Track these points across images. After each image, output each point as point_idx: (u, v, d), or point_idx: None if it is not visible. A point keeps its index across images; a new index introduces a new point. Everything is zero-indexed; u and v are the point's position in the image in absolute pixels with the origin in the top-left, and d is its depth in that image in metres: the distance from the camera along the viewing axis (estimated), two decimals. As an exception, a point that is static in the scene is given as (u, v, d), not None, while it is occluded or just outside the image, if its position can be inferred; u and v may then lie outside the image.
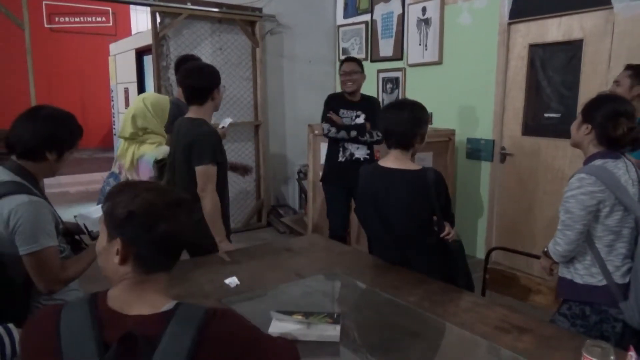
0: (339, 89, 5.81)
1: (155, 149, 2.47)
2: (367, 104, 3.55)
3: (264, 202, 5.41)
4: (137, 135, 2.50)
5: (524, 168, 3.97)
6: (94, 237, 1.78)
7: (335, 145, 3.53)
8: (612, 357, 1.16)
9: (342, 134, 3.41)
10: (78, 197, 6.75)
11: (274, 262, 2.11)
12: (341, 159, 3.52)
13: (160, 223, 0.96)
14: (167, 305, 0.97)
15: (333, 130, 3.43)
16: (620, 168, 1.76)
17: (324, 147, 4.39)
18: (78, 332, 0.91)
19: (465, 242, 4.61)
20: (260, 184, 5.40)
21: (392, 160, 2.03)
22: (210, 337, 0.93)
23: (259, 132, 5.30)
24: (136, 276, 0.99)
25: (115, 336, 0.88)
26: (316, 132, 4.48)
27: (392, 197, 1.96)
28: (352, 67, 3.45)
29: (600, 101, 1.84)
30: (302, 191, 5.40)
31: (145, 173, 2.47)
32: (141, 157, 2.49)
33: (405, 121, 1.98)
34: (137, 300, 0.97)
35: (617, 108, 1.78)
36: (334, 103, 3.57)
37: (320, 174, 4.45)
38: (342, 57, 3.96)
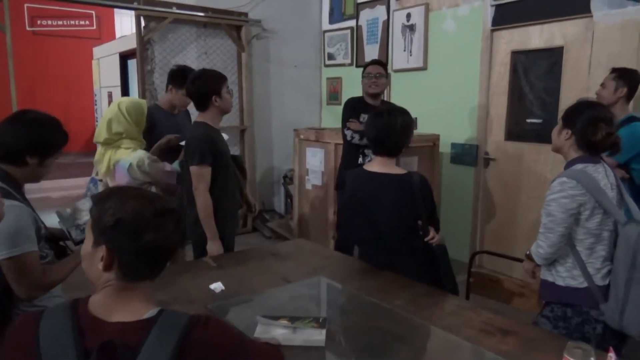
0: (324, 94, 5.87)
1: (130, 154, 2.44)
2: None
3: (249, 207, 5.39)
4: (112, 141, 2.47)
5: (507, 173, 4.03)
6: (77, 242, 1.75)
7: (354, 151, 3.40)
8: (592, 359, 1.19)
9: (367, 140, 3.38)
10: (60, 203, 6.64)
11: (260, 267, 2.11)
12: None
13: (146, 233, 0.95)
14: (150, 312, 0.96)
15: (357, 137, 3.30)
16: (600, 172, 1.80)
17: (309, 152, 4.41)
18: (58, 339, 0.90)
19: (450, 246, 4.65)
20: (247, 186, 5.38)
21: (378, 164, 2.04)
22: (193, 344, 0.92)
23: (245, 136, 5.29)
24: (119, 283, 0.97)
25: (95, 343, 0.87)
26: (301, 136, 4.49)
27: (379, 201, 1.98)
28: (378, 69, 3.40)
29: (580, 107, 1.89)
30: (288, 196, 5.40)
31: (122, 178, 2.44)
32: (117, 162, 2.46)
33: (397, 129, 2.00)
34: (119, 307, 0.96)
35: (596, 114, 1.82)
36: (355, 108, 3.44)
37: (306, 177, 4.47)
38: (368, 60, 3.86)
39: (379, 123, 2.04)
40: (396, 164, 2.09)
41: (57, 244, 1.78)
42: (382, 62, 3.53)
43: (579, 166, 1.82)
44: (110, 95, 6.98)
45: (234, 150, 5.26)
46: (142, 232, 0.95)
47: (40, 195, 6.93)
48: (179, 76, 2.99)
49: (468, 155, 4.29)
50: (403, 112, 2.05)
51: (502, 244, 3.98)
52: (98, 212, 0.98)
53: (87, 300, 0.98)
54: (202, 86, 2.39)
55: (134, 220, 0.95)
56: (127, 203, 0.97)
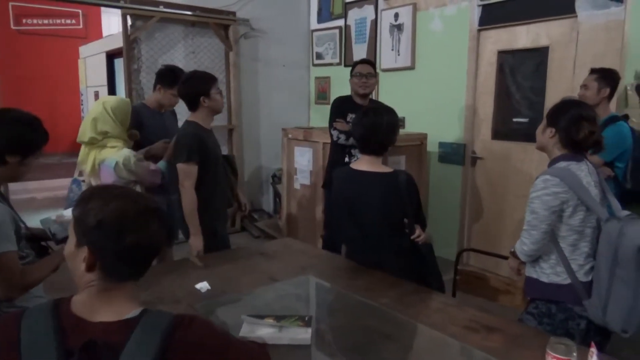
0: (312, 93, 5.88)
1: (116, 153, 2.43)
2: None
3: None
4: (97, 140, 2.45)
5: (494, 171, 4.06)
6: (58, 241, 1.73)
7: (341, 150, 3.40)
8: (574, 354, 1.20)
9: (353, 140, 3.37)
10: (45, 203, 6.57)
11: (248, 266, 2.10)
12: None
13: (129, 233, 0.94)
14: (133, 312, 0.95)
15: (343, 137, 3.28)
16: (583, 170, 1.82)
17: (297, 151, 4.41)
18: (39, 339, 0.88)
19: (437, 244, 4.67)
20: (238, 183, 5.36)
21: (364, 163, 2.05)
22: (177, 344, 0.91)
23: (233, 135, 5.27)
24: (102, 284, 0.96)
25: (77, 343, 0.86)
26: (290, 135, 4.49)
27: (366, 199, 1.98)
28: (368, 69, 3.36)
29: (564, 106, 1.91)
30: (277, 195, 5.39)
31: (107, 178, 2.42)
32: (102, 161, 2.44)
33: (383, 128, 2.00)
34: (102, 307, 0.95)
35: (579, 113, 1.84)
36: (343, 107, 3.43)
37: (294, 176, 4.47)
38: (357, 59, 3.84)
39: (366, 122, 2.04)
40: (384, 162, 2.09)
41: (38, 244, 1.76)
42: (371, 62, 3.52)
43: (562, 164, 1.84)
44: (96, 95, 6.91)
45: (222, 150, 5.23)
46: (125, 233, 0.93)
47: (25, 196, 6.85)
48: (168, 76, 2.99)
49: (455, 154, 4.32)
50: (389, 111, 2.05)
51: (490, 242, 4.01)
52: (80, 213, 0.97)
53: (69, 300, 0.96)
54: (191, 87, 2.48)
55: (116, 221, 0.94)
56: (109, 203, 0.95)
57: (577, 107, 1.87)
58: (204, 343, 0.96)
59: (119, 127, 2.49)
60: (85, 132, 2.49)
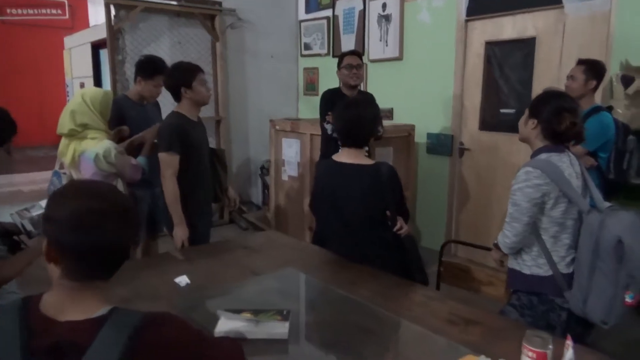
0: (301, 84, 5.83)
1: (96, 145, 2.38)
2: (365, 98, 3.37)
3: (226, 199, 5.34)
4: (77, 132, 2.40)
5: (481, 163, 4.06)
6: (32, 236, 1.70)
7: (334, 142, 3.27)
8: (550, 347, 1.20)
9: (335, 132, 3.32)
10: (32, 196, 6.48)
11: (230, 260, 2.08)
12: None
13: (82, 232, 0.90)
14: (102, 310, 0.93)
15: None
16: (565, 161, 1.81)
17: (285, 143, 4.38)
18: (4, 339, 0.86)
19: (425, 235, 4.68)
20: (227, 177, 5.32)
21: (346, 155, 2.03)
22: (146, 344, 0.89)
23: (221, 127, 5.23)
24: (69, 282, 0.94)
25: (44, 343, 0.84)
26: (277, 127, 4.45)
27: (348, 192, 1.97)
28: (357, 60, 3.32)
29: (546, 97, 1.90)
30: (265, 187, 5.36)
31: (87, 169, 2.39)
32: (82, 153, 2.40)
33: (366, 121, 1.98)
34: (70, 305, 0.92)
35: (561, 104, 1.83)
36: (332, 100, 3.32)
37: (282, 168, 4.44)
38: (345, 50, 3.78)
39: (348, 115, 2.02)
40: (371, 154, 2.08)
41: (11, 238, 1.72)
42: (359, 53, 3.47)
43: (543, 156, 1.83)
44: (82, 86, 6.80)
45: (210, 142, 5.17)
46: (79, 231, 0.90)
47: (11, 189, 6.77)
48: (147, 67, 2.94)
49: (443, 145, 4.31)
50: (371, 103, 2.04)
51: (478, 233, 4.02)
52: (46, 209, 0.95)
53: (39, 298, 0.94)
54: (173, 78, 2.48)
55: (68, 217, 0.90)
56: (72, 199, 0.92)
57: (559, 99, 1.86)
58: (177, 342, 0.95)
59: (98, 119, 2.44)
60: (64, 124, 2.44)
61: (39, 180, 7.16)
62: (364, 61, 4.87)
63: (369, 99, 2.09)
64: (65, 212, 0.91)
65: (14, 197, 6.24)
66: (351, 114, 2.00)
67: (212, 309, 1.57)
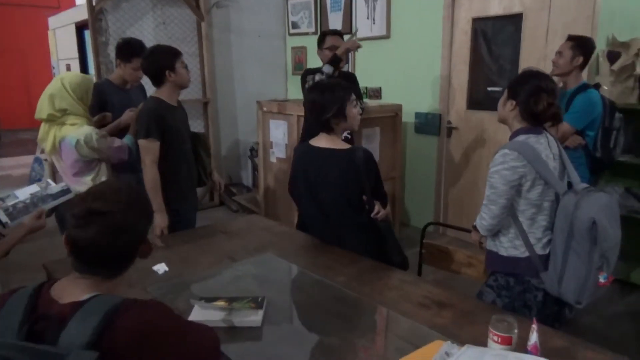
0: (289, 64, 5.75)
1: (76, 130, 2.35)
2: (345, 77, 3.35)
3: (216, 181, 5.33)
4: (56, 117, 2.37)
5: (469, 142, 4.05)
6: (7, 227, 1.70)
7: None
8: (515, 331, 1.21)
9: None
10: (21, 180, 6.45)
11: (208, 245, 2.08)
12: None
13: (70, 229, 1.01)
14: (86, 296, 1.00)
15: None
16: (542, 143, 1.81)
17: (272, 124, 4.34)
18: (12, 311, 0.96)
19: (413, 215, 4.70)
20: (212, 163, 5.30)
21: (323, 140, 2.01)
22: (119, 326, 0.94)
23: (208, 109, 5.17)
24: (73, 272, 1.04)
25: (36, 317, 0.95)
26: (264, 109, 4.41)
27: (323, 176, 1.96)
28: (340, 41, 3.21)
29: (524, 78, 1.88)
30: (255, 169, 5.34)
31: (69, 156, 2.36)
32: (62, 139, 2.37)
33: (331, 105, 1.94)
34: (69, 291, 1.01)
35: (538, 84, 1.81)
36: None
37: (270, 150, 4.42)
38: (325, 30, 3.68)
39: (311, 98, 1.99)
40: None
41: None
42: (341, 32, 3.38)
43: (521, 137, 1.82)
44: (68, 68, 6.68)
45: (198, 124, 5.15)
46: (68, 227, 1.01)
47: (1, 173, 6.74)
48: (124, 50, 2.89)
49: (431, 124, 4.29)
50: (338, 86, 1.99)
51: (465, 212, 4.04)
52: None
53: (52, 283, 1.04)
54: (155, 62, 2.43)
55: (66, 213, 1.03)
56: (81, 199, 1.03)
57: (536, 79, 1.84)
58: (156, 326, 0.99)
59: (78, 104, 2.40)
60: (42, 108, 2.40)
61: (28, 163, 7.11)
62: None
63: (338, 82, 2.04)
64: (71, 211, 1.02)
65: (4, 181, 6.22)
66: (314, 97, 1.98)
67: (187, 296, 1.57)
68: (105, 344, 0.91)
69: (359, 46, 3.13)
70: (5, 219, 1.72)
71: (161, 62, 2.40)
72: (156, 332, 0.98)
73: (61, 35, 6.80)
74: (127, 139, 2.61)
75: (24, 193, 1.88)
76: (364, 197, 1.93)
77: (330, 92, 1.95)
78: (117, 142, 2.53)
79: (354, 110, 1.99)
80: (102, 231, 0.99)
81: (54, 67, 7.64)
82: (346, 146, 1.97)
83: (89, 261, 1.02)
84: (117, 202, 1.02)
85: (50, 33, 7.55)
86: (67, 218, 1.02)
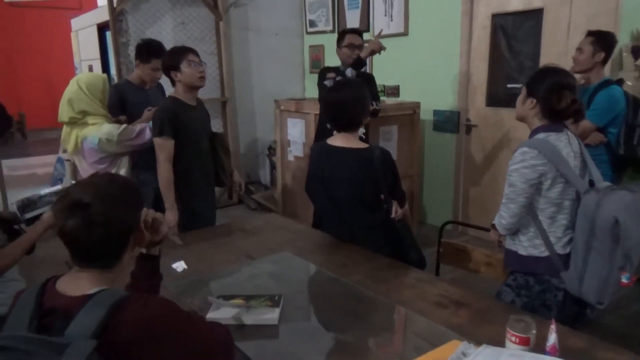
0: (307, 62, 5.75)
1: (98, 129, 2.41)
2: (363, 78, 3.31)
3: (234, 179, 5.37)
4: (77, 119, 2.43)
5: (488, 139, 4.00)
6: (28, 223, 1.74)
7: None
8: (533, 331, 1.20)
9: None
10: (46, 179, 6.60)
11: (226, 244, 2.11)
12: None
13: (58, 224, 1.02)
14: (94, 289, 1.02)
15: None
16: (562, 141, 1.77)
17: (290, 123, 4.36)
18: (23, 305, 1.00)
19: (432, 214, 4.65)
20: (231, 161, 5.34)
21: (340, 139, 2.01)
22: (122, 319, 0.96)
23: (227, 108, 5.22)
24: (74, 266, 1.06)
25: (44, 309, 0.98)
26: (282, 107, 4.43)
27: (339, 175, 1.96)
28: (359, 40, 3.20)
29: (543, 75, 1.84)
30: (273, 167, 5.37)
31: (91, 154, 2.42)
32: (85, 138, 2.43)
33: (349, 105, 1.95)
34: (73, 284, 1.04)
35: (559, 81, 1.78)
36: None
37: (287, 148, 4.43)
38: (346, 28, 3.66)
39: (330, 99, 1.99)
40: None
41: (10, 227, 1.76)
42: (360, 31, 3.37)
43: (541, 135, 1.79)
44: (90, 68, 6.81)
45: (216, 123, 5.20)
46: (63, 221, 1.01)
47: (26, 172, 6.91)
48: (143, 51, 2.94)
49: (450, 122, 4.25)
50: (358, 85, 1.99)
51: (484, 211, 3.99)
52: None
53: (58, 277, 1.07)
54: (163, 63, 2.50)
55: (58, 208, 1.03)
56: (69, 191, 1.05)
57: (557, 75, 1.81)
58: (159, 321, 1.00)
59: (96, 103, 2.46)
60: (63, 112, 2.47)
61: (52, 162, 7.28)
62: (369, 37, 4.82)
63: (357, 81, 2.04)
64: (55, 205, 1.04)
65: (29, 180, 6.37)
66: (333, 98, 1.98)
67: (205, 294, 1.59)
68: (108, 337, 0.93)
69: (383, 48, 3.13)
70: (28, 215, 1.76)
71: (166, 63, 2.47)
72: (159, 327, 1.00)
73: (83, 36, 6.95)
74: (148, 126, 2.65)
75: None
76: (382, 197, 1.92)
77: (358, 91, 1.96)
78: (137, 128, 2.58)
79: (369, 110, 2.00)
80: (80, 224, 1.00)
81: (76, 68, 7.80)
82: (363, 145, 1.97)
83: (78, 253, 1.04)
84: (95, 196, 1.02)
85: (72, 35, 7.71)
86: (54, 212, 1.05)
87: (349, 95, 1.94)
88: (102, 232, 1.01)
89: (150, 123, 2.62)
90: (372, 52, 3.13)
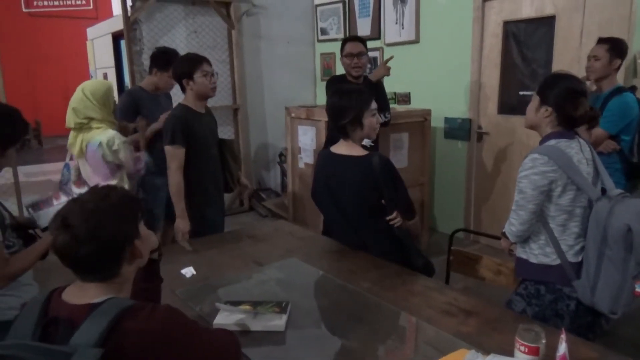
0: (318, 70, 5.78)
1: (100, 134, 2.43)
2: (373, 88, 3.23)
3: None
4: (83, 124, 2.46)
5: (500, 147, 3.97)
6: (43, 229, 1.76)
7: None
8: (543, 341, 1.18)
9: None
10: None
11: (235, 250, 2.11)
12: None
13: (55, 238, 1.02)
14: (100, 298, 1.02)
15: None
16: (574, 148, 1.76)
17: (300, 130, 4.37)
18: (28, 314, 1.02)
19: (443, 221, 4.61)
20: (242, 168, 5.37)
21: (342, 146, 2.03)
22: (127, 328, 0.96)
23: (238, 115, 5.25)
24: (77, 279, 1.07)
25: (49, 317, 1.00)
26: (293, 114, 4.44)
27: (343, 182, 1.97)
28: (359, 47, 3.08)
29: (556, 82, 1.82)
30: (284, 174, 5.38)
31: (93, 157, 2.43)
32: (89, 142, 2.46)
33: (349, 112, 1.95)
34: (81, 294, 1.05)
35: (574, 87, 1.76)
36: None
37: (298, 155, 4.44)
38: (347, 36, 3.67)
39: (331, 104, 2.01)
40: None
41: (26, 232, 1.79)
42: (362, 38, 3.27)
43: (552, 142, 1.78)
44: (105, 77, 6.94)
45: (227, 130, 5.24)
46: (54, 236, 1.02)
47: (41, 179, 7.01)
48: (161, 59, 2.99)
49: (461, 129, 4.22)
50: (360, 92, 1.99)
51: (496, 219, 3.95)
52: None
53: (64, 287, 1.08)
54: (175, 70, 2.50)
55: (51, 220, 1.06)
56: (63, 208, 1.05)
57: (569, 82, 1.79)
58: (163, 329, 1.01)
59: (101, 110, 2.47)
60: (70, 119, 2.49)
61: (67, 169, 7.38)
62: (380, 45, 4.83)
63: (359, 88, 2.04)
64: (53, 221, 1.05)
65: (43, 186, 6.46)
66: (334, 103, 1.98)
67: (214, 300, 1.60)
68: (112, 345, 0.93)
69: (388, 73, 3.17)
70: (44, 223, 1.78)
71: (179, 70, 2.45)
72: (164, 336, 1.00)
73: (99, 45, 7.09)
74: (145, 155, 2.68)
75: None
76: (383, 202, 1.92)
77: (348, 99, 1.95)
78: (136, 154, 2.61)
79: (372, 120, 1.98)
80: (68, 241, 1.00)
81: (92, 76, 7.95)
82: (364, 153, 1.97)
83: (72, 268, 1.04)
84: (81, 214, 1.01)
85: (88, 43, 7.87)
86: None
87: (348, 102, 1.95)
88: (89, 248, 1.00)
89: (146, 155, 2.66)
90: (382, 76, 3.15)
